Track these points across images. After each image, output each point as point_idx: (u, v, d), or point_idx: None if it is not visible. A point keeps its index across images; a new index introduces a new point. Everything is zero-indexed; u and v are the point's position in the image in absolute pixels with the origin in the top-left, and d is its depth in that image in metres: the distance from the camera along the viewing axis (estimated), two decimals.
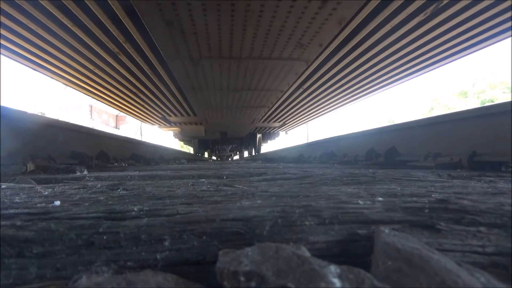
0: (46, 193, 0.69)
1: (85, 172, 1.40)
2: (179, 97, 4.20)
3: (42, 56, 2.96)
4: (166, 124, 6.89)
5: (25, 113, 1.83)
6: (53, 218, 0.43)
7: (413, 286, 0.27)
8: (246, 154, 12.26)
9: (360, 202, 0.49)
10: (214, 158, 12.42)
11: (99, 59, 3.01)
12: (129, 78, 3.53)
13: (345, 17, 1.76)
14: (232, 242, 0.39)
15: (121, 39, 2.46)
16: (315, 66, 3.11)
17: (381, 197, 0.54)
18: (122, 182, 1.00)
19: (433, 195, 0.54)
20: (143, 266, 0.36)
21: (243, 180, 1.07)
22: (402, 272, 0.28)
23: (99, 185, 0.85)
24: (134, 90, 4.07)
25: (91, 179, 1.15)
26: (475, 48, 2.84)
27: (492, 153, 1.43)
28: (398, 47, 2.75)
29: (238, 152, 13.53)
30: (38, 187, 0.81)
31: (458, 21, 2.27)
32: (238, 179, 1.12)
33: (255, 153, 9.68)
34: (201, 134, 7.44)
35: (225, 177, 1.22)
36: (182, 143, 11.28)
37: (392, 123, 3.83)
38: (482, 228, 0.40)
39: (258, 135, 9.21)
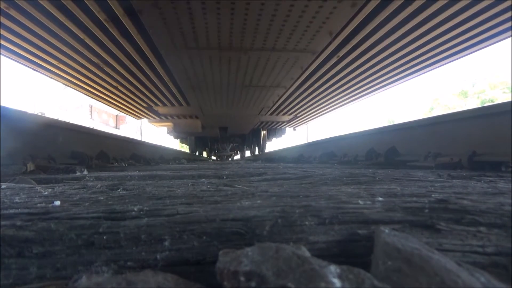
0: (46, 193, 0.69)
1: (85, 172, 1.40)
2: (167, 79, 3.37)
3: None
4: (155, 117, 6.02)
5: (25, 113, 1.83)
6: (53, 218, 0.43)
7: (413, 286, 0.27)
8: (248, 153, 11.39)
9: (360, 202, 0.49)
10: (213, 158, 11.54)
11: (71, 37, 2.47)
12: (100, 52, 2.76)
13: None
14: (232, 242, 0.39)
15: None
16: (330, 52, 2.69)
17: (381, 197, 0.54)
18: (122, 182, 1.00)
19: (433, 195, 0.54)
20: (143, 266, 0.36)
21: (243, 180, 1.07)
22: (402, 272, 0.28)
23: (99, 185, 0.85)
24: (107, 69, 3.20)
25: (91, 179, 1.15)
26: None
27: (492, 153, 1.43)
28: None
29: (239, 152, 12.48)
30: (38, 187, 0.81)
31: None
32: (238, 179, 1.12)
33: (259, 152, 8.77)
34: (198, 130, 6.40)
35: (225, 177, 1.22)
36: (182, 143, 10.36)
37: (392, 123, 3.83)
38: (482, 228, 0.40)
39: (263, 132, 8.15)
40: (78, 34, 2.43)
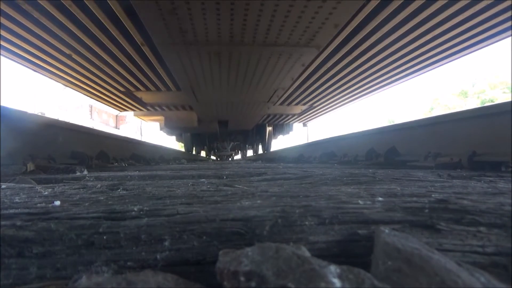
0: (46, 193, 0.69)
1: (85, 172, 1.40)
2: (149, 55, 2.62)
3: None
4: (141, 107, 4.94)
5: (25, 113, 1.83)
6: (53, 218, 0.43)
7: (413, 286, 0.27)
8: (250, 153, 10.71)
9: (360, 202, 0.49)
10: (213, 158, 10.75)
11: None
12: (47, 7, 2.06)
13: None
14: (232, 242, 0.39)
15: None
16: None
17: (381, 197, 0.54)
18: (122, 182, 1.00)
19: (433, 195, 0.54)
20: (143, 266, 0.36)
21: (243, 180, 1.07)
22: (402, 272, 0.28)
23: (99, 185, 0.85)
24: (60, 33, 2.38)
25: (91, 179, 1.15)
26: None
27: (492, 153, 1.43)
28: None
29: (240, 151, 11.56)
30: (38, 187, 0.81)
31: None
32: (238, 179, 1.12)
33: (263, 151, 7.95)
34: (193, 124, 5.26)
35: (225, 177, 1.22)
36: (179, 141, 8.99)
37: (392, 123, 3.82)
38: (482, 228, 0.40)
39: (268, 128, 7.28)
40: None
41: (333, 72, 3.40)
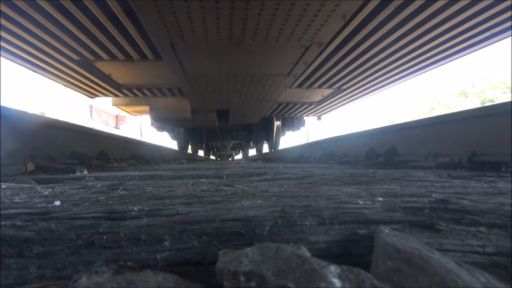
0: (46, 193, 0.69)
1: (85, 172, 1.40)
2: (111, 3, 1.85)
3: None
4: (115, 91, 3.77)
5: (25, 113, 1.83)
6: (53, 218, 0.43)
7: (413, 286, 0.27)
8: (252, 152, 9.81)
9: (360, 202, 0.49)
10: (212, 157, 9.98)
11: None
12: None
13: None
14: (232, 242, 0.39)
15: None
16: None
17: (381, 197, 0.54)
18: (122, 182, 1.00)
19: (433, 195, 0.54)
20: (143, 266, 0.36)
21: (243, 180, 1.07)
22: (402, 272, 0.28)
23: (99, 185, 0.85)
24: None
25: (91, 179, 1.15)
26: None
27: (492, 153, 1.43)
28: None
29: (241, 150, 10.58)
30: (38, 187, 0.81)
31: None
32: (238, 179, 1.12)
33: (270, 149, 6.96)
34: (186, 116, 4.20)
35: (225, 177, 1.22)
36: (173, 139, 7.68)
37: (392, 123, 3.82)
38: (482, 228, 0.40)
39: (276, 123, 6.25)
40: None
41: (383, 43, 2.59)
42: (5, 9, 1.97)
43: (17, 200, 0.59)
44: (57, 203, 0.54)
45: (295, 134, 6.97)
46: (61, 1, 1.87)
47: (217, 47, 1.95)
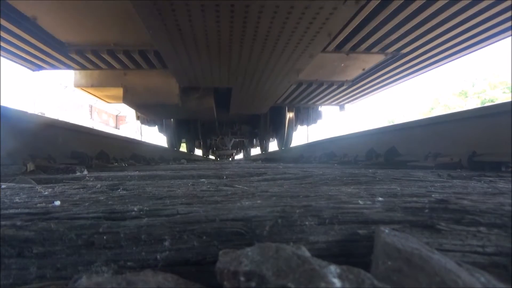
0: (46, 193, 0.69)
1: (85, 172, 1.40)
2: None
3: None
4: (58, 56, 2.65)
5: (25, 113, 1.83)
6: (53, 218, 0.43)
7: (413, 286, 0.27)
8: (254, 151, 8.72)
9: (360, 202, 0.49)
10: (211, 157, 9.11)
11: None
12: None
13: None
14: (232, 242, 0.39)
15: None
16: None
17: (381, 197, 0.54)
18: (122, 182, 1.00)
19: (433, 195, 0.54)
20: (143, 266, 0.36)
21: (243, 180, 1.07)
22: (402, 272, 0.28)
23: (99, 185, 0.85)
24: None
25: (91, 179, 1.15)
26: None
27: (492, 153, 1.43)
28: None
29: (243, 149, 9.49)
30: (38, 187, 0.81)
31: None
32: (238, 179, 1.12)
33: (280, 146, 5.78)
34: (172, 100, 3.18)
35: (225, 177, 1.22)
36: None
37: (392, 123, 3.82)
38: (482, 228, 0.40)
39: (289, 114, 5.11)
40: None
41: None
42: None
43: (17, 200, 0.59)
44: (57, 203, 0.54)
45: (310, 128, 5.72)
46: None
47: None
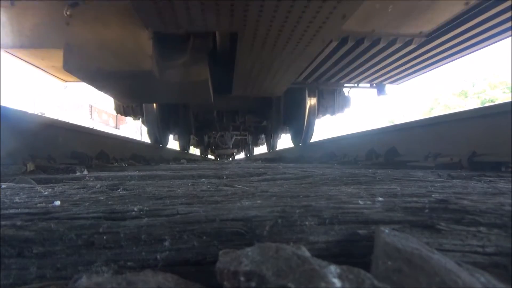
0: (46, 193, 0.69)
1: (85, 172, 1.40)
2: None
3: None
4: None
5: (25, 113, 1.83)
6: (53, 218, 0.43)
7: (413, 286, 0.27)
8: (258, 150, 7.68)
9: (360, 202, 0.49)
10: (211, 156, 8.12)
11: None
12: None
13: None
14: (232, 242, 0.39)
15: None
16: None
17: (381, 197, 0.54)
18: (122, 182, 1.00)
19: (433, 195, 0.54)
20: (143, 266, 0.36)
21: (243, 180, 1.07)
22: (402, 272, 0.28)
23: (99, 185, 0.85)
24: None
25: (91, 179, 1.15)
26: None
27: (492, 154, 1.43)
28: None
29: (245, 147, 8.31)
30: (38, 187, 0.81)
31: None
32: (238, 179, 1.12)
33: (296, 142, 4.58)
34: (143, 66, 1.80)
35: (225, 177, 1.22)
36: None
37: (392, 123, 3.82)
38: (482, 228, 0.40)
39: (310, 100, 3.87)
40: None
41: None
42: None
43: (17, 200, 0.59)
44: (57, 203, 0.54)
45: (335, 118, 4.34)
46: None
47: None
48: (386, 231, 0.36)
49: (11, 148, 1.55)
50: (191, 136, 6.03)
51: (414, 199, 0.52)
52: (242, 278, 0.27)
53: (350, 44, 2.40)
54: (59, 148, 2.10)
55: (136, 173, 1.40)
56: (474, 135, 1.58)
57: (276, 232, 0.40)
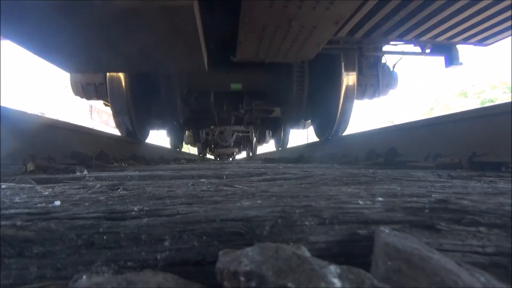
0: (46, 193, 0.69)
1: (85, 172, 1.40)
2: None
3: None
4: None
5: (25, 113, 1.83)
6: (53, 218, 0.43)
7: (413, 286, 0.27)
8: (262, 149, 6.98)
9: (360, 202, 0.49)
10: (210, 156, 7.40)
11: None
12: None
13: None
14: (232, 242, 0.39)
15: None
16: None
17: (381, 197, 0.54)
18: (122, 182, 1.00)
19: (433, 195, 0.54)
20: (143, 266, 0.36)
21: (243, 180, 1.07)
22: (402, 272, 0.28)
23: (99, 185, 0.85)
24: None
25: (91, 179, 1.15)
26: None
27: (492, 154, 1.43)
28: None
29: (247, 146, 7.44)
30: (38, 187, 0.81)
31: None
32: (238, 179, 1.12)
33: (322, 135, 3.56)
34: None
35: (225, 177, 1.22)
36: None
37: (392, 124, 3.81)
38: (482, 228, 0.40)
39: (347, 75, 2.74)
40: None
41: None
42: None
43: (17, 200, 0.59)
44: (57, 203, 0.54)
45: (379, 101, 3.39)
46: None
47: None
48: (386, 231, 0.36)
49: (11, 148, 1.55)
50: (187, 133, 4.60)
51: (414, 199, 0.52)
52: (242, 278, 0.27)
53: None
54: (59, 148, 2.10)
55: (136, 173, 1.40)
56: (474, 136, 1.58)
57: (276, 232, 0.40)
